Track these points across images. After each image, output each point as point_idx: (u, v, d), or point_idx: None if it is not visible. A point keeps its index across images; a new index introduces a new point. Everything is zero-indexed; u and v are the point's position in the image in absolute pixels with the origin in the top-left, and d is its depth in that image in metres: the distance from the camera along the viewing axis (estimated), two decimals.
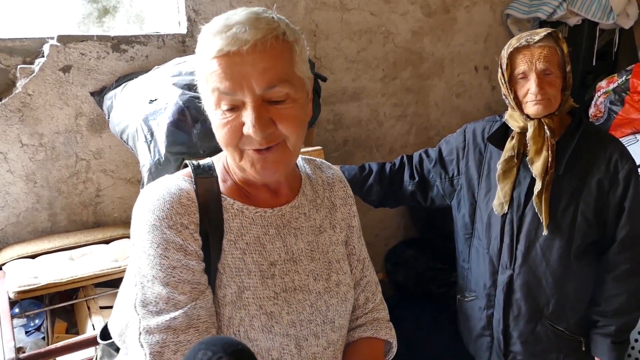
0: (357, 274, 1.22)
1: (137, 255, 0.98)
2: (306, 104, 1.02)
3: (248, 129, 0.92)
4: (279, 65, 0.92)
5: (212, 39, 0.91)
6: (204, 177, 1.04)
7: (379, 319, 1.24)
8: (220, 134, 0.96)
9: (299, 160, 1.21)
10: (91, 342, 1.55)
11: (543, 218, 1.65)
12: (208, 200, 1.01)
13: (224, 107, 0.93)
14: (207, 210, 1.00)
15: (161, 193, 0.98)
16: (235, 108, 0.93)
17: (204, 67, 0.94)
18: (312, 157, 1.26)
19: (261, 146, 0.94)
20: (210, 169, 1.07)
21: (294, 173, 1.15)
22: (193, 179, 1.03)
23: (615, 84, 3.01)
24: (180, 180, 1.02)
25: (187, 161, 1.09)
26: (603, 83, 3.11)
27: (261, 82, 0.90)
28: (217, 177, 1.06)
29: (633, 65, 3.01)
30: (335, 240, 1.16)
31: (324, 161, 1.27)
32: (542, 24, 3.36)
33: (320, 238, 1.13)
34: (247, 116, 0.91)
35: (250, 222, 1.04)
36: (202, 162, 1.09)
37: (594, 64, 3.44)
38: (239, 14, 0.92)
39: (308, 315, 1.06)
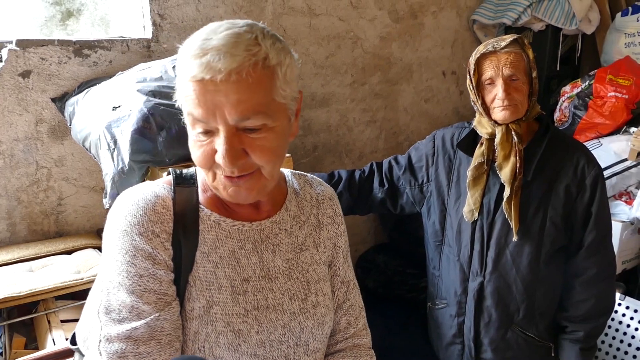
0: (340, 296, 1.18)
1: (105, 260, 0.95)
2: (287, 129, 0.97)
3: (219, 158, 0.89)
4: (254, 96, 0.87)
5: (187, 61, 0.87)
6: (184, 186, 1.02)
7: (360, 346, 1.19)
8: (194, 154, 0.94)
9: (288, 175, 1.17)
10: (51, 358, 1.49)
11: (513, 224, 1.65)
12: (185, 210, 0.99)
13: (199, 130, 0.91)
14: (183, 220, 0.98)
15: (136, 199, 0.96)
16: (210, 132, 0.90)
17: (181, 87, 0.91)
18: (303, 173, 1.23)
19: (232, 174, 0.91)
20: (192, 177, 1.05)
21: (279, 187, 1.11)
22: (172, 187, 1.01)
23: (579, 89, 3.07)
24: (158, 187, 1.00)
25: (170, 169, 1.07)
26: (567, 88, 3.17)
27: (234, 113, 0.86)
28: (197, 186, 1.04)
29: (596, 70, 3.08)
30: (317, 259, 1.12)
31: (315, 177, 1.23)
32: (507, 29, 3.41)
33: (301, 256, 1.09)
34: (219, 145, 0.88)
35: (227, 235, 1.01)
36: (185, 170, 1.07)
37: (558, 68, 3.51)
38: (218, 36, 0.87)
39: (279, 335, 1.02)
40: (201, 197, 1.03)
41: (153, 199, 0.97)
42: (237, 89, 0.85)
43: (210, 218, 1.01)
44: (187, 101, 0.89)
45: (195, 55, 0.86)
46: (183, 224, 0.97)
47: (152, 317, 0.91)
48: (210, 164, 0.92)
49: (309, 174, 1.23)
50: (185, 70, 0.88)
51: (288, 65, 0.92)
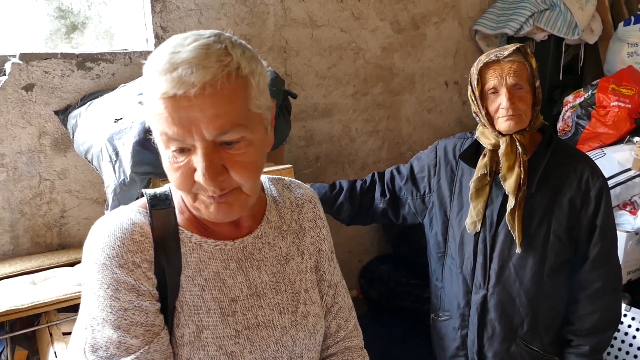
0: (328, 300, 1.16)
1: (87, 296, 0.92)
2: (264, 141, 0.93)
3: (199, 176, 0.84)
4: (231, 108, 0.83)
5: (156, 77, 0.82)
6: (160, 208, 0.98)
7: (352, 347, 1.18)
8: (171, 177, 0.89)
9: (265, 182, 1.14)
10: None
11: (516, 236, 1.63)
12: (164, 234, 0.95)
13: (174, 150, 0.86)
14: (163, 245, 0.94)
15: (112, 229, 0.92)
16: (186, 151, 0.85)
17: (150, 105, 0.85)
18: (280, 177, 1.19)
19: (214, 194, 0.87)
20: (167, 198, 1.00)
21: (258, 198, 1.07)
22: (148, 211, 0.97)
23: (582, 99, 3.06)
24: (133, 213, 0.96)
25: (143, 190, 1.03)
26: (570, 97, 3.16)
27: (212, 128, 0.82)
28: (174, 207, 0.99)
29: (598, 80, 3.07)
30: (303, 268, 1.10)
31: (294, 180, 1.20)
32: (509, 39, 3.41)
33: (287, 267, 1.07)
34: (198, 163, 0.84)
35: (209, 257, 0.98)
36: (159, 190, 1.02)
37: (560, 78, 3.51)
38: (186, 49, 0.82)
39: (273, 352, 1.01)
40: (179, 218, 0.99)
41: (130, 228, 0.92)
42: (213, 103, 0.81)
43: (191, 240, 0.98)
44: (158, 120, 0.84)
45: (164, 70, 0.81)
46: (164, 249, 0.94)
47: (141, 350, 0.89)
48: (190, 186, 0.88)
49: (286, 178, 1.20)
50: (154, 87, 0.82)
51: (260, 73, 0.89)
